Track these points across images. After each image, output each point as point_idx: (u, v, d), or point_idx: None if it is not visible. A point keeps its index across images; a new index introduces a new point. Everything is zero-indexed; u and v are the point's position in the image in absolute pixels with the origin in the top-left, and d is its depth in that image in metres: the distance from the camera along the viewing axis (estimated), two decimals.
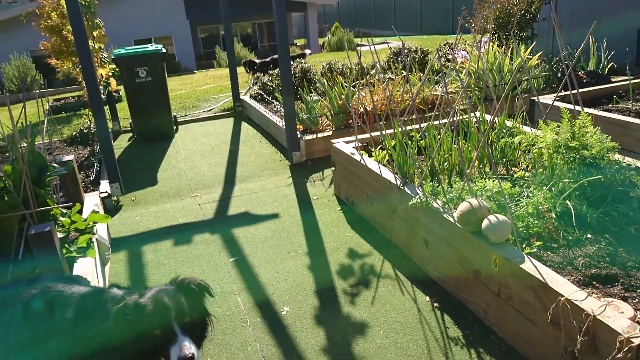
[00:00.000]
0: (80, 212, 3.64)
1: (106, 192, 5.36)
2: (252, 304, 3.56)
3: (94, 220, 3.65)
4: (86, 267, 3.34)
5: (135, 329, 2.01)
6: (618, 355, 2.15)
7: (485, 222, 2.97)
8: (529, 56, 7.55)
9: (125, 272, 4.10)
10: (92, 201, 4.72)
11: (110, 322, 2.06)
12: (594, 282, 2.74)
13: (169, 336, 1.98)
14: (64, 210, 3.59)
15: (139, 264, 4.20)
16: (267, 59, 7.24)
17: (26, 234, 3.03)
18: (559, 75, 7.43)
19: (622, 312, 2.34)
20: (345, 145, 4.93)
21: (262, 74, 6.73)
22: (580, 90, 4.38)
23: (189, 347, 1.94)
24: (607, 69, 7.61)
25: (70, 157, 4.60)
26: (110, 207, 5.36)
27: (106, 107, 8.05)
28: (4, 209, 3.02)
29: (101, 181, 5.70)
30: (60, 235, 3.33)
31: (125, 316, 2.03)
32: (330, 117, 6.65)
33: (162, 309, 2.02)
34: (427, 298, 3.46)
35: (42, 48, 9.30)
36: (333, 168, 5.22)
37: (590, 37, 4.29)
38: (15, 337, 2.24)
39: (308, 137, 6.35)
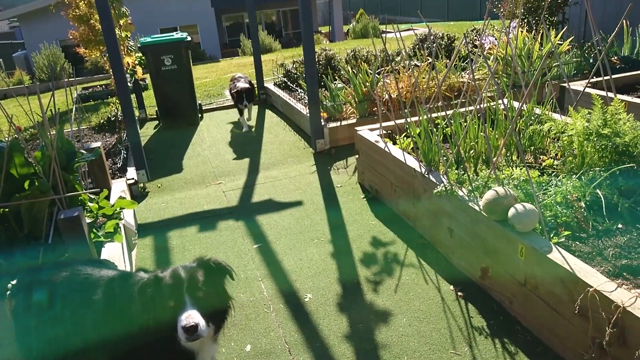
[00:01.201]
0: (107, 198, 3.70)
1: (133, 178, 5.45)
2: (275, 291, 3.59)
3: (121, 206, 3.71)
4: (113, 252, 3.41)
5: (154, 301, 2.05)
6: None
7: (511, 211, 2.92)
8: (559, 42, 7.34)
9: (151, 257, 4.17)
10: (119, 187, 4.80)
11: (135, 299, 2.10)
12: (624, 273, 2.66)
13: (179, 307, 2.00)
14: (92, 196, 3.66)
15: (165, 250, 4.26)
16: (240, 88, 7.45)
17: (56, 219, 3.10)
18: (591, 61, 7.22)
19: None
20: (369, 133, 4.89)
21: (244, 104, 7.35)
22: (613, 76, 4.24)
23: (193, 317, 1.95)
24: None
25: (98, 144, 4.68)
26: (137, 194, 5.44)
27: (133, 95, 8.16)
28: (34, 193, 3.10)
29: (128, 168, 5.80)
30: (88, 221, 3.40)
31: (147, 289, 2.08)
32: (354, 105, 6.61)
33: (176, 280, 2.05)
34: (451, 287, 3.43)
35: (70, 37, 9.47)
36: (357, 156, 5.19)
37: (624, 21, 4.14)
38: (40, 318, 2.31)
39: (332, 124, 6.32)
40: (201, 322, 1.96)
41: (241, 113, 7.65)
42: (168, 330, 2.02)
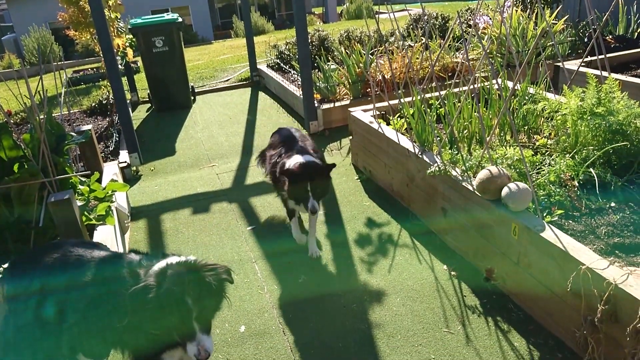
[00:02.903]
0: (99, 180, 3.67)
1: (125, 162, 5.41)
2: (269, 272, 3.58)
3: (113, 189, 3.68)
4: (106, 235, 3.39)
5: (149, 316, 1.98)
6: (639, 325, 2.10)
7: (505, 190, 2.91)
8: (554, 21, 7.28)
9: (144, 239, 4.16)
10: (111, 170, 4.76)
11: (126, 301, 2.02)
12: (616, 252, 2.67)
13: (187, 334, 1.98)
14: (83, 179, 3.63)
15: (158, 232, 4.25)
16: None
17: (46, 202, 3.07)
18: (586, 40, 7.17)
19: None
20: (363, 114, 4.86)
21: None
22: (607, 55, 4.21)
23: (206, 347, 1.97)
24: (636, 33, 7.31)
25: (89, 126, 4.63)
26: (130, 177, 5.40)
27: (124, 79, 8.07)
28: (23, 176, 3.06)
29: (120, 151, 5.75)
30: (79, 203, 3.36)
31: (141, 303, 1.97)
32: (348, 86, 6.55)
33: (181, 308, 1.96)
34: (445, 267, 3.44)
35: (60, 19, 9.32)
36: (351, 137, 5.16)
37: None
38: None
39: (325, 106, 6.28)
40: (211, 345, 2.00)
41: (292, 216, 3.85)
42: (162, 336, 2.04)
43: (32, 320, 2.38)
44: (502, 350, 2.69)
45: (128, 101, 7.33)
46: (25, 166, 3.15)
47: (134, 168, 5.59)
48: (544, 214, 2.91)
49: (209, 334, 2.05)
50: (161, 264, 2.12)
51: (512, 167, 3.27)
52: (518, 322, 2.87)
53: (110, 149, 5.93)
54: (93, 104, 7.70)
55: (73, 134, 3.82)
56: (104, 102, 7.61)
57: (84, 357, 2.81)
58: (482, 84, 4.43)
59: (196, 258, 2.18)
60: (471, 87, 3.92)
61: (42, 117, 3.32)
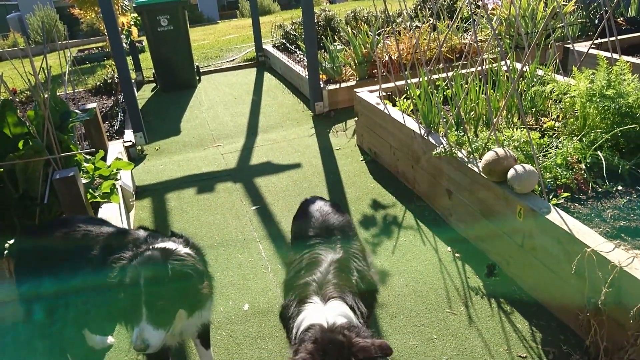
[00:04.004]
0: (104, 159, 3.67)
1: (130, 141, 5.40)
2: (273, 252, 3.59)
3: (118, 167, 3.69)
4: (111, 213, 3.40)
5: (119, 291, 1.94)
6: None
7: (511, 172, 2.89)
8: (564, 2, 7.15)
9: (149, 218, 4.17)
10: (115, 149, 4.77)
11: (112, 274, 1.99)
12: (622, 235, 2.65)
13: (136, 316, 1.87)
14: (88, 157, 3.63)
15: (163, 211, 4.26)
16: None
17: (51, 179, 3.08)
18: (596, 22, 7.05)
19: None
20: (368, 95, 4.82)
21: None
22: (618, 37, 4.13)
23: (143, 336, 1.83)
24: None
25: (94, 104, 4.61)
26: (135, 156, 5.41)
27: (129, 58, 8.02)
28: (28, 153, 3.06)
29: (125, 130, 5.74)
30: (84, 181, 3.37)
31: (115, 277, 1.95)
32: (354, 67, 6.49)
33: (134, 286, 1.88)
34: (449, 248, 3.44)
35: None
36: (356, 118, 5.13)
37: None
38: None
39: (331, 87, 6.23)
40: (152, 339, 1.84)
41: None
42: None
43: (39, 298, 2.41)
44: (504, 332, 2.70)
45: (133, 80, 7.28)
46: (30, 143, 3.15)
47: (139, 147, 5.59)
48: (550, 197, 2.89)
49: (162, 329, 1.89)
50: (163, 244, 2.10)
51: (518, 149, 3.24)
52: (521, 304, 2.88)
53: (115, 128, 5.92)
54: (98, 83, 7.67)
55: (77, 111, 3.81)
56: (108, 81, 7.58)
57: (90, 333, 2.86)
58: (490, 66, 4.37)
59: (184, 249, 2.09)
60: (479, 68, 3.87)
61: (46, 95, 3.31)
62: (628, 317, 2.16)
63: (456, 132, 3.58)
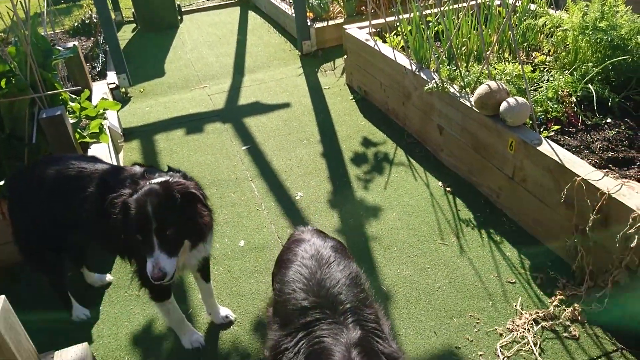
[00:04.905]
0: (89, 99, 3.58)
1: (114, 83, 5.26)
2: (266, 190, 3.61)
3: (104, 107, 3.61)
4: (100, 153, 3.35)
5: (122, 225, 1.94)
6: (630, 231, 2.18)
7: (503, 105, 2.90)
8: None
9: (139, 159, 4.13)
10: (100, 89, 4.65)
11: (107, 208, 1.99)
12: (610, 165, 2.72)
13: (147, 247, 1.88)
14: (74, 96, 3.54)
15: (152, 152, 4.22)
16: None
17: (38, 118, 3.01)
18: None
19: (638, 192, 2.34)
20: (358, 31, 4.71)
21: None
22: None
23: (160, 265, 1.85)
24: None
25: (75, 42, 4.45)
26: (119, 98, 5.28)
27: None
28: (12, 92, 2.97)
29: (108, 72, 5.57)
30: (72, 121, 3.30)
31: (114, 209, 1.95)
32: (342, 3, 6.31)
33: (143, 216, 1.87)
34: (440, 183, 3.49)
35: None
36: (345, 56, 5.04)
37: None
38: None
39: (318, 25, 6.07)
40: (168, 267, 1.87)
41: None
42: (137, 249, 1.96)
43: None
44: (494, 260, 2.79)
45: (112, 20, 7.01)
46: (13, 81, 3.05)
47: (123, 89, 5.46)
48: (541, 130, 2.92)
49: (173, 257, 1.91)
50: (162, 178, 2.08)
51: (510, 83, 3.23)
52: (510, 234, 2.96)
53: (97, 70, 5.74)
54: (76, 24, 7.36)
55: (60, 48, 3.68)
56: (87, 21, 7.28)
57: (87, 271, 2.89)
58: (483, 0, 4.28)
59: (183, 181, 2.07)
60: (471, 3, 3.79)
61: (26, 32, 3.17)
62: (614, 242, 2.25)
63: (448, 67, 3.55)
